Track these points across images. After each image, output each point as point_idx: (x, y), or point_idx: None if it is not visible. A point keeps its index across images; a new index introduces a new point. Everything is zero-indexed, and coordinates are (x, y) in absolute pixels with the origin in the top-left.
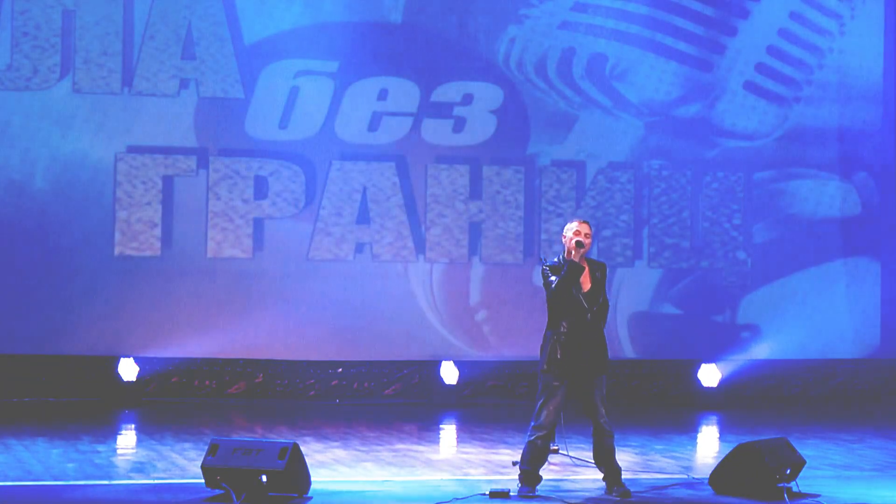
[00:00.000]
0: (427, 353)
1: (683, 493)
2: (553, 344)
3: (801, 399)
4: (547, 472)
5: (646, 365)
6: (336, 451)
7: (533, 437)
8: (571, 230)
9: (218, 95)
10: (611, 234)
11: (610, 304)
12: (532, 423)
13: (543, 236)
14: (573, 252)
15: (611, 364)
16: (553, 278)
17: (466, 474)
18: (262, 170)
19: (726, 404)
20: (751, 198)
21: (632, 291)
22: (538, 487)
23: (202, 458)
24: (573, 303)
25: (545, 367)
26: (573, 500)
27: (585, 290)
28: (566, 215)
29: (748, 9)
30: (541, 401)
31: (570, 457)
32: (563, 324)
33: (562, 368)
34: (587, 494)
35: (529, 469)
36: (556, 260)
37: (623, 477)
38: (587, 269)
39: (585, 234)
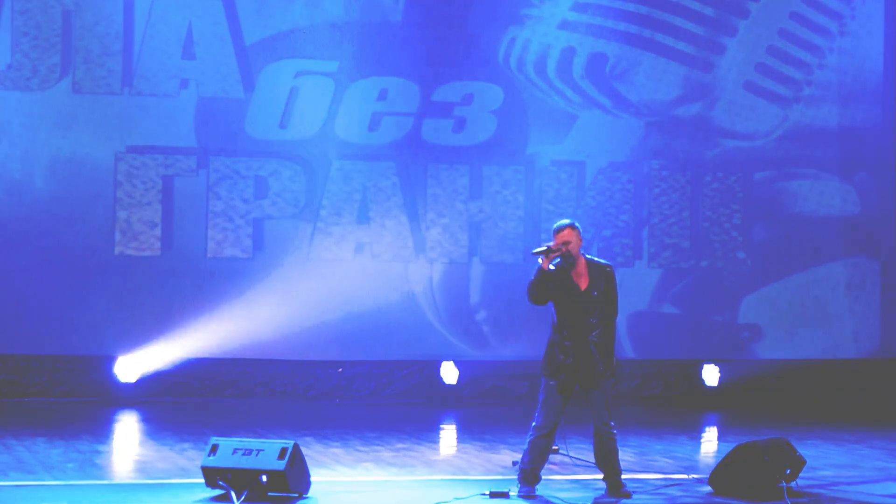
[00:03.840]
0: (427, 353)
1: (683, 492)
2: (550, 346)
3: (801, 399)
4: (547, 472)
5: (646, 365)
6: (336, 451)
7: (533, 437)
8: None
9: (218, 95)
10: (611, 234)
11: None
12: (533, 423)
13: (543, 236)
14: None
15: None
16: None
17: (466, 474)
18: (262, 170)
19: (726, 404)
20: (751, 198)
21: (632, 291)
22: (538, 487)
23: (202, 458)
24: (570, 305)
25: (542, 368)
26: (573, 501)
27: (582, 290)
28: (566, 215)
29: (748, 9)
30: (540, 400)
31: (571, 457)
32: (563, 329)
33: (556, 370)
34: (587, 495)
35: (529, 468)
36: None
37: (623, 477)
38: (585, 270)
39: (564, 238)
